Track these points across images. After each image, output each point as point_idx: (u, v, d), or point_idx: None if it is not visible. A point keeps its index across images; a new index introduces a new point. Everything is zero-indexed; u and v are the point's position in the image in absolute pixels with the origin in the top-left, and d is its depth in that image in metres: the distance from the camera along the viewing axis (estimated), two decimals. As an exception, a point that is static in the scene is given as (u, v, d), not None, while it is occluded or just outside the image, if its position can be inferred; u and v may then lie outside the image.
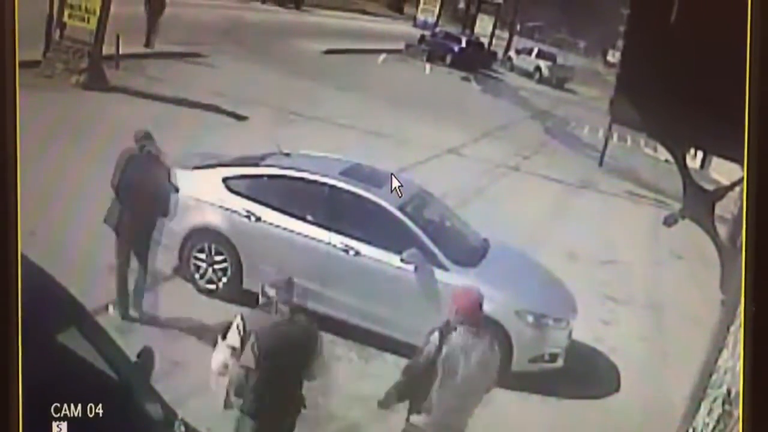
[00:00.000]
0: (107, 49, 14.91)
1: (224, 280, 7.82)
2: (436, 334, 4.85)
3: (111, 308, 6.88)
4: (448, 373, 4.81)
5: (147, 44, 15.05)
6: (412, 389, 4.93)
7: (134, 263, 6.88)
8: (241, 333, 4.64)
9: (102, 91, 13.46)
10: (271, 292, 4.72)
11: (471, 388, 4.86)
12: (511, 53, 37.91)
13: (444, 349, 4.79)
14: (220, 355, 4.75)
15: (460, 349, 4.80)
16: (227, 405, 4.92)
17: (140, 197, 6.64)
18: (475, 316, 4.92)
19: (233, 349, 4.68)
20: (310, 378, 4.87)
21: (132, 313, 6.95)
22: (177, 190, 6.65)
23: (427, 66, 31.13)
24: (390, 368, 7.32)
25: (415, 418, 4.91)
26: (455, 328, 4.85)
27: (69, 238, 8.16)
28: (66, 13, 14.14)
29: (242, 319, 4.69)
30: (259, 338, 4.52)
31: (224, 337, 4.79)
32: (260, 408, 4.64)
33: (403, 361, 7.34)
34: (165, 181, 6.79)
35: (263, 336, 4.54)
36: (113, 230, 6.92)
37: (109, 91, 13.18)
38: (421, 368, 4.88)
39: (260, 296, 4.82)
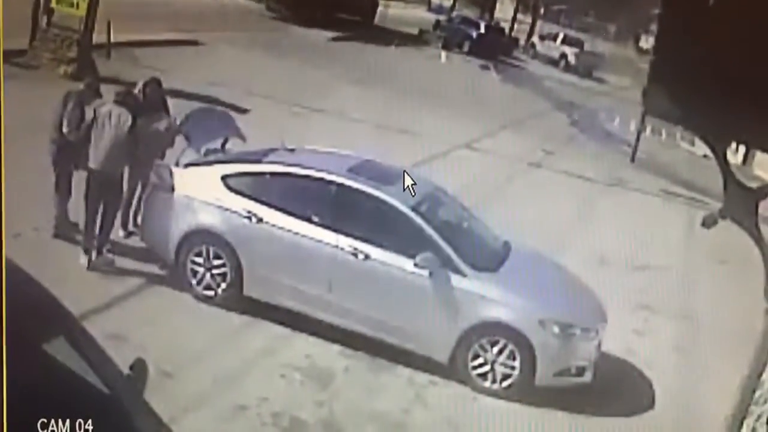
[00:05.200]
0: (97, 38, 15.04)
1: (223, 286, 7.84)
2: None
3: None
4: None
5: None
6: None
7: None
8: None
9: (92, 82, 13.51)
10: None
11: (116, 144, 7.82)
12: (535, 39, 37.90)
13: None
14: None
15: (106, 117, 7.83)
16: None
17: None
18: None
19: None
20: None
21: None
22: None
23: (443, 54, 31.26)
24: (402, 382, 7.33)
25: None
26: (104, 104, 7.97)
27: (57, 240, 8.23)
28: (53, -3, 14.21)
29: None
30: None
31: None
32: None
33: (417, 374, 7.43)
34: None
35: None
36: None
37: (100, 83, 13.22)
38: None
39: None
